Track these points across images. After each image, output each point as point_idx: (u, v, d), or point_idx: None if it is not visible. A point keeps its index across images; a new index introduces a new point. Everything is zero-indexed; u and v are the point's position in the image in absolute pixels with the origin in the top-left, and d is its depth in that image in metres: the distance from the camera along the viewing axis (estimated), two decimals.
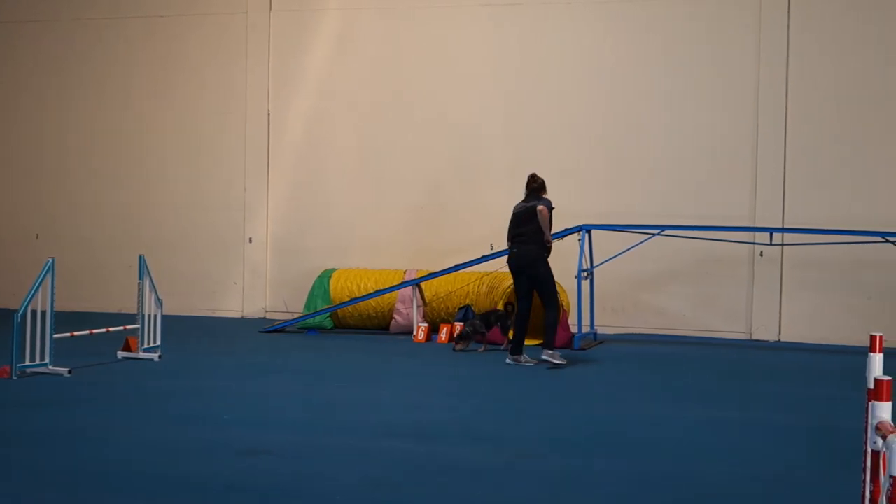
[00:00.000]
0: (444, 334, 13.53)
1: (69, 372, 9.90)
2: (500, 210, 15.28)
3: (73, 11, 17.64)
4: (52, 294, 9.91)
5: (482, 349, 12.71)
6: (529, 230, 11.35)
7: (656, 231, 13.52)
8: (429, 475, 6.18)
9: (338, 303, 14.62)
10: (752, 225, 14.32)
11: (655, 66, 15.03)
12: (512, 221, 11.62)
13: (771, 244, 13.61)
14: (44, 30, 17.80)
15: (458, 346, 12.67)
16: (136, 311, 11.32)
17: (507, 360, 11.49)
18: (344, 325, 14.88)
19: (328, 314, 14.64)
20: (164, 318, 11.56)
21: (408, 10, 16.13)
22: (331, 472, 6.20)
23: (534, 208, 11.37)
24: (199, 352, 12.33)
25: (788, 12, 14.42)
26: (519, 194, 14.95)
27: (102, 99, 17.50)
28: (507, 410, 8.60)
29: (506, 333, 12.82)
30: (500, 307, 13.35)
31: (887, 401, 3.51)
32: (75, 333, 10.69)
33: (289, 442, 7.04)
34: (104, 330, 11.12)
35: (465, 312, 13.90)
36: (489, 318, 13.00)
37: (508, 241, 11.63)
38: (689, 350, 13.30)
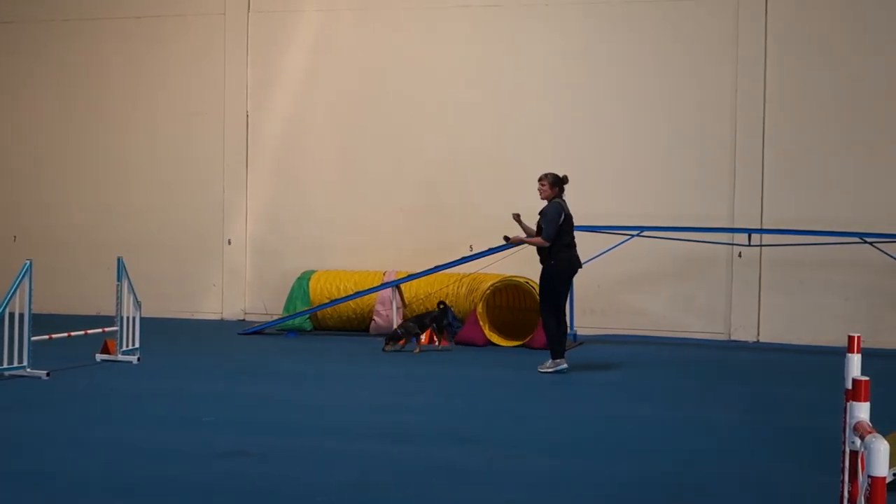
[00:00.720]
0: (424, 336, 13.51)
1: (47, 375, 9.84)
2: (480, 211, 15.36)
3: (47, 13, 17.51)
4: (30, 296, 9.84)
5: (416, 350, 12.73)
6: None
7: (635, 232, 13.55)
8: (410, 476, 6.18)
9: (317, 304, 14.60)
10: (730, 226, 14.37)
11: (634, 68, 15.06)
12: (571, 223, 11.06)
13: (749, 245, 13.67)
14: (18, 31, 17.68)
15: (387, 347, 12.65)
16: (114, 314, 11.25)
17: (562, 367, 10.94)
18: (324, 326, 14.85)
19: (308, 316, 14.61)
20: (142, 320, 11.49)
21: (386, 11, 16.11)
22: (311, 473, 6.19)
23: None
24: (178, 354, 12.29)
25: (766, 15, 14.48)
26: (501, 196, 14.97)
27: (79, 100, 17.40)
28: (489, 412, 8.61)
29: (440, 333, 12.94)
30: (479, 308, 13.36)
31: (865, 401, 3.54)
32: (53, 336, 10.63)
33: (269, 444, 7.03)
34: (82, 332, 11.06)
35: (444, 311, 13.83)
36: (423, 320, 12.97)
37: (571, 244, 11.04)
38: (668, 351, 13.35)
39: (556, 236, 10.84)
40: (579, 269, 11.21)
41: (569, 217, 11.02)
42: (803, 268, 14.24)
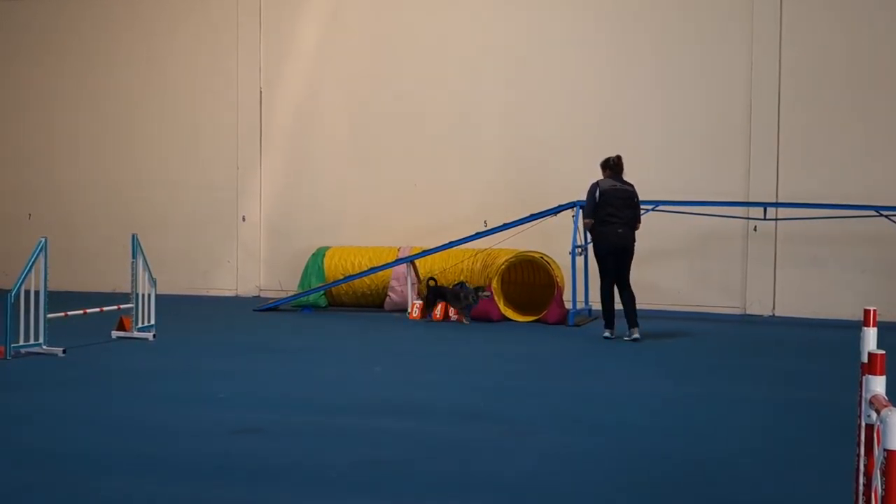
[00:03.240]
0: (438, 311, 13.52)
1: (63, 352, 9.89)
2: (494, 187, 15.34)
3: None
4: (46, 274, 9.88)
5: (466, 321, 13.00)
6: (631, 215, 11.55)
7: (650, 207, 13.49)
8: (422, 452, 6.19)
9: (332, 280, 14.61)
10: (746, 200, 14.31)
11: (649, 44, 14.98)
12: (614, 202, 11.42)
13: (765, 219, 13.61)
14: (29, 9, 17.70)
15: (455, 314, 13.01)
16: (129, 291, 11.29)
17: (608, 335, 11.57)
18: (338, 302, 14.88)
19: (322, 292, 14.63)
20: (157, 297, 11.53)
21: None
22: (324, 450, 6.21)
23: (634, 193, 11.67)
24: (193, 331, 12.33)
25: None
26: (513, 172, 14.93)
27: (92, 78, 17.42)
28: (502, 387, 8.61)
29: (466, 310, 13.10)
30: (494, 284, 13.37)
31: (881, 374, 3.51)
32: (69, 313, 10.67)
33: (283, 421, 7.04)
34: (98, 310, 11.10)
35: (460, 289, 13.88)
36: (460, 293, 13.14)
37: (611, 221, 11.39)
38: (683, 325, 13.32)
39: (593, 213, 11.39)
40: (620, 245, 11.49)
41: (606, 194, 11.43)
42: (819, 242, 14.17)
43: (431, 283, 13.53)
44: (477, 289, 13.17)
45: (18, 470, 5.72)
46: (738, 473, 5.76)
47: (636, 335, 11.38)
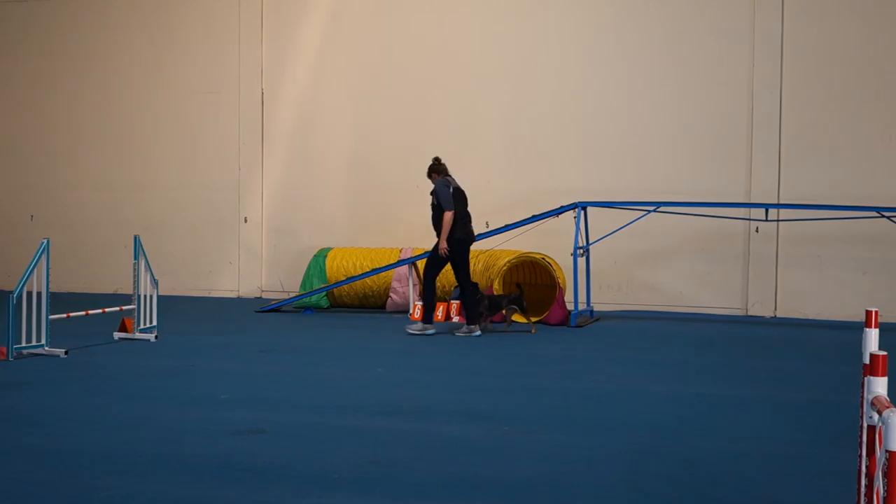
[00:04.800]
0: (440, 312, 13.52)
1: (65, 353, 9.90)
2: (496, 187, 15.34)
3: None
4: (48, 275, 9.89)
5: (507, 326, 12.62)
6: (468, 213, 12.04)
7: (652, 208, 13.50)
8: (425, 453, 6.19)
9: (334, 282, 14.62)
10: (747, 201, 14.32)
11: (651, 44, 14.99)
12: (464, 200, 12.01)
13: (766, 220, 13.62)
14: (32, 10, 17.72)
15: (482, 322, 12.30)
16: (131, 292, 11.30)
17: (461, 332, 11.98)
18: (340, 303, 14.89)
19: (324, 293, 14.64)
20: (159, 298, 11.54)
21: None
22: (326, 450, 6.21)
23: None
24: (195, 332, 12.33)
25: None
26: (514, 173, 14.95)
27: (94, 80, 17.45)
28: (504, 388, 8.61)
29: (524, 313, 12.57)
30: (496, 285, 13.35)
31: (883, 376, 3.51)
32: (71, 314, 10.68)
33: (285, 421, 7.05)
34: (100, 311, 11.11)
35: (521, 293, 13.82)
36: (501, 301, 12.50)
37: (465, 219, 11.96)
38: (684, 326, 13.32)
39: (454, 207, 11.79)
40: (472, 241, 12.12)
41: (457, 192, 11.95)
42: (821, 242, 14.18)
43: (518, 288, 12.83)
44: (510, 296, 12.59)
45: (20, 470, 5.72)
46: (739, 474, 5.76)
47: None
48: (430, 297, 12.00)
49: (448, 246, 11.83)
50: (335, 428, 6.86)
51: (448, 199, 11.80)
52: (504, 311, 12.55)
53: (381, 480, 5.56)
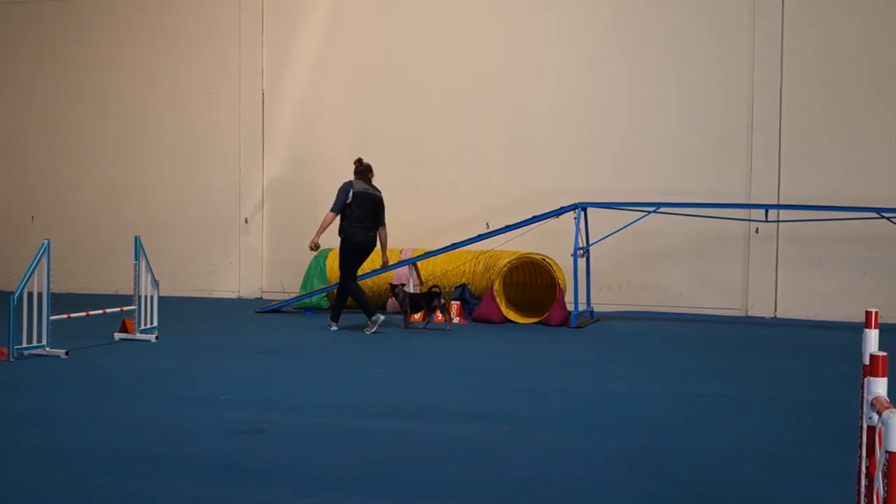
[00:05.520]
0: (440, 313, 13.51)
1: (66, 353, 9.90)
2: (496, 188, 15.35)
3: None
4: (49, 276, 9.89)
5: (423, 327, 12.83)
6: (378, 218, 12.47)
7: (652, 209, 13.50)
8: (424, 453, 6.19)
9: (334, 282, 14.58)
10: (747, 202, 14.32)
11: (651, 44, 14.99)
12: (368, 206, 12.32)
13: (766, 221, 13.62)
14: (32, 11, 17.73)
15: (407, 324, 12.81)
16: (132, 293, 11.31)
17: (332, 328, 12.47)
18: None
19: (325, 294, 14.63)
20: (160, 299, 11.55)
21: None
22: (326, 450, 6.21)
23: (381, 199, 12.55)
24: (195, 332, 12.34)
25: None
26: (514, 172, 14.95)
27: (95, 81, 17.45)
28: (503, 388, 8.61)
29: (443, 312, 12.92)
30: (496, 285, 13.36)
31: (883, 376, 3.52)
32: (72, 315, 10.68)
33: (285, 421, 7.05)
34: (101, 311, 11.11)
35: (462, 291, 13.92)
36: (419, 301, 12.89)
37: (363, 223, 12.28)
38: (685, 327, 13.33)
39: (341, 209, 12.24)
40: (368, 247, 12.44)
41: (358, 196, 12.28)
42: (821, 243, 14.18)
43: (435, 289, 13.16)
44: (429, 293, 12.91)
45: (21, 470, 5.73)
46: (739, 474, 5.77)
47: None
48: (358, 297, 12.41)
49: (341, 244, 12.41)
50: (335, 428, 6.87)
51: (337, 200, 12.30)
52: (423, 311, 12.88)
53: (381, 480, 5.57)
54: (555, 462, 6.02)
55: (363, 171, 12.52)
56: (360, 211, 12.28)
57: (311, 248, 12.63)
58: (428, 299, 12.71)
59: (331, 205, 12.40)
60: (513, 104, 15.50)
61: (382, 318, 12.27)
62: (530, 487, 5.47)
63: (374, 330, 12.13)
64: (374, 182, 12.64)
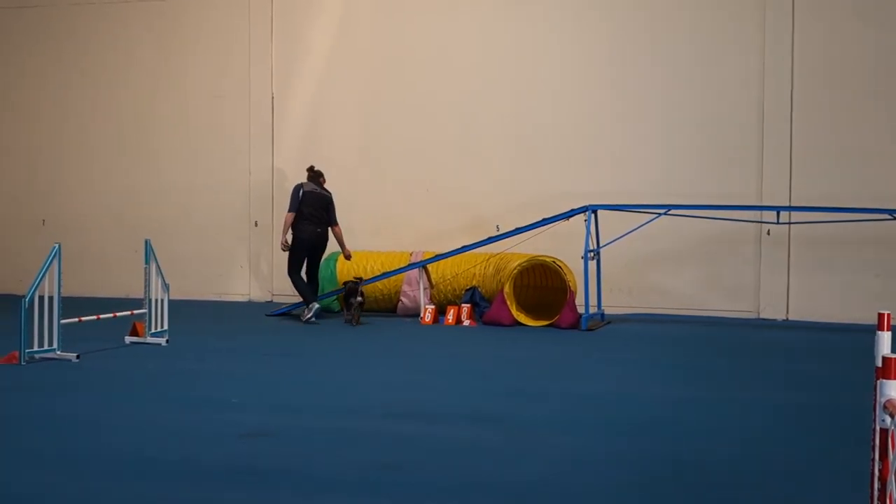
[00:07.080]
0: (451, 316, 13.52)
1: (77, 357, 9.92)
2: (506, 191, 15.34)
3: None
4: (59, 279, 9.91)
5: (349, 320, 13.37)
6: (325, 217, 13.64)
7: (662, 211, 13.46)
8: (433, 456, 6.18)
9: (340, 287, 14.59)
10: (758, 203, 14.28)
11: (661, 45, 14.97)
12: (316, 204, 13.53)
13: (778, 223, 13.57)
14: (43, 15, 17.78)
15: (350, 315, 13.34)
16: (142, 296, 11.33)
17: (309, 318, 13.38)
18: None
19: (335, 297, 14.64)
20: (170, 302, 11.57)
21: None
22: (335, 453, 6.21)
23: (330, 199, 13.74)
24: (206, 336, 12.35)
25: None
26: (524, 174, 14.95)
27: (105, 83, 17.49)
28: (512, 391, 8.59)
29: (353, 309, 13.29)
30: (507, 288, 13.34)
31: (895, 379, 3.49)
32: (83, 319, 10.68)
33: (294, 424, 7.05)
34: (111, 315, 11.12)
35: (472, 294, 13.91)
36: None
37: (311, 220, 13.46)
38: (696, 329, 13.30)
39: (296, 209, 13.43)
40: (317, 242, 13.61)
41: (307, 196, 13.51)
42: (833, 245, 14.13)
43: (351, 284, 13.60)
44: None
45: (31, 473, 5.74)
46: (749, 477, 5.74)
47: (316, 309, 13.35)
48: (299, 287, 13.56)
49: (292, 240, 13.48)
50: (344, 430, 6.86)
51: (291, 201, 13.49)
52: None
53: (389, 483, 5.56)
54: (564, 465, 6.00)
55: (314, 176, 13.75)
56: (309, 209, 13.46)
57: (283, 249, 13.69)
58: (346, 295, 13.48)
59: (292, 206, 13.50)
60: (523, 106, 15.48)
61: (318, 306, 13.37)
62: (539, 490, 5.45)
63: (308, 316, 13.25)
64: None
